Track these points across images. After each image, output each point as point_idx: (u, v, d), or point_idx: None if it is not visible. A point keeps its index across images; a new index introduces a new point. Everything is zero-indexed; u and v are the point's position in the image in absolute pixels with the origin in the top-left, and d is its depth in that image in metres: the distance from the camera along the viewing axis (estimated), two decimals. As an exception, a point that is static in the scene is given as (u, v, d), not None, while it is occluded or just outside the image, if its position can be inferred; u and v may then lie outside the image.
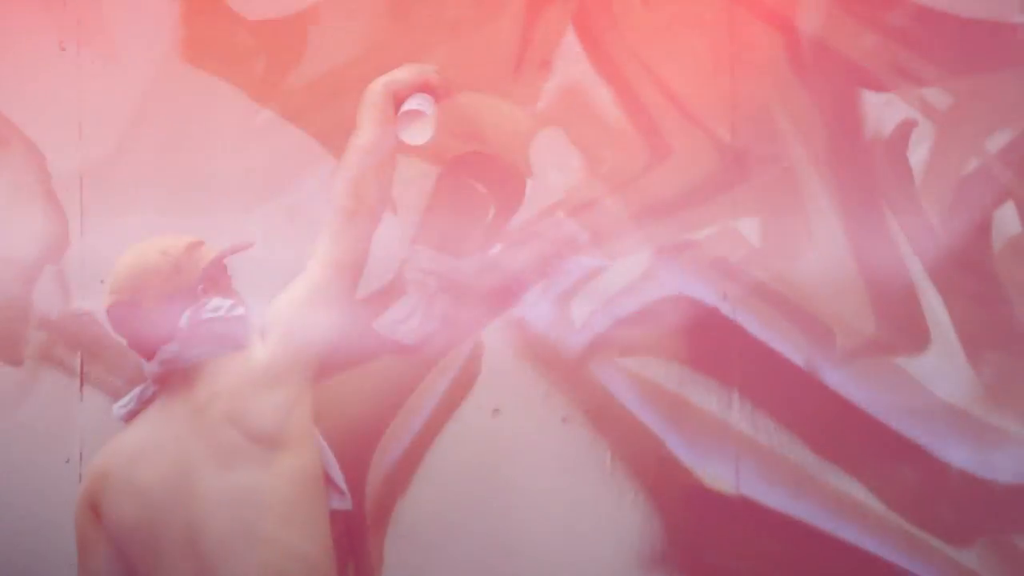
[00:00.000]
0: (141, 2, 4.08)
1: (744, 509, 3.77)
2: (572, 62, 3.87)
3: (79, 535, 3.39)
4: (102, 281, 3.85)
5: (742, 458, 3.77)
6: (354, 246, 3.41)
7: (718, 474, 3.79)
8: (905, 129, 3.70)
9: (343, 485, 3.44)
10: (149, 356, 3.33)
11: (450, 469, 3.91)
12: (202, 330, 3.28)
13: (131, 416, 3.39)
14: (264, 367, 3.26)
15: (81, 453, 4.04)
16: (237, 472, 3.21)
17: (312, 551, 3.27)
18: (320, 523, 3.31)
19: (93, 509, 3.32)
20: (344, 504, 3.44)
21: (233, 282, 3.50)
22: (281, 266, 3.76)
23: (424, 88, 3.59)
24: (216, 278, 3.38)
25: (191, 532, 3.23)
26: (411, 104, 3.58)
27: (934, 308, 3.69)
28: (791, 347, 3.76)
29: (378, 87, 3.54)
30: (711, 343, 3.79)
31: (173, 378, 3.30)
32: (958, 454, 3.67)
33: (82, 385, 4.09)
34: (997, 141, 3.66)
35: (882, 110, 3.70)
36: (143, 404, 3.38)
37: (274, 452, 3.21)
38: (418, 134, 3.60)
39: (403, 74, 3.59)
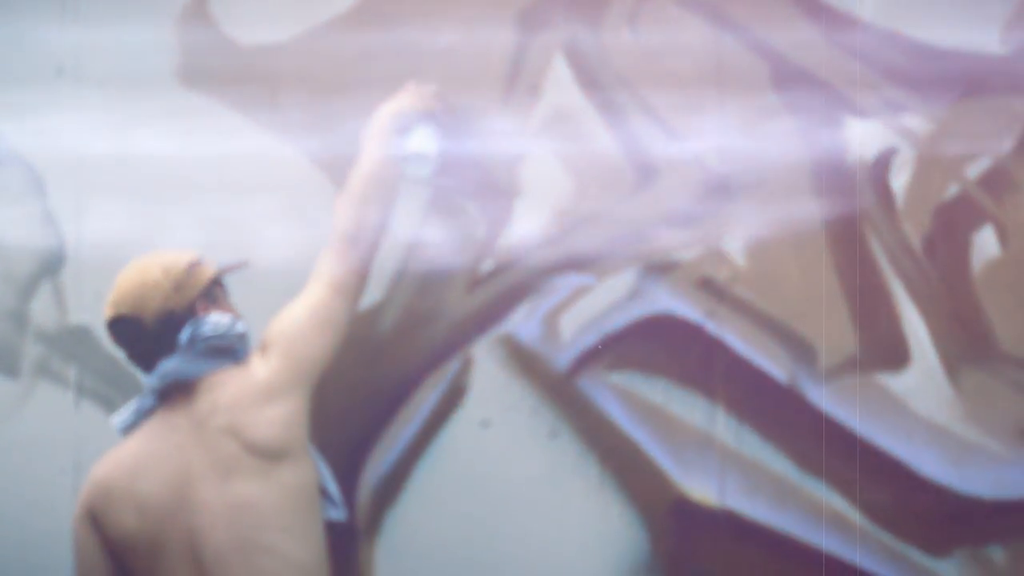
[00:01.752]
0: (137, 27, 3.88)
1: (728, 521, 3.64)
2: (561, 87, 3.72)
3: (77, 545, 3.21)
4: (98, 296, 3.69)
5: (726, 471, 3.63)
6: (355, 268, 3.27)
7: (703, 487, 3.65)
8: (887, 155, 3.59)
9: (338, 497, 3.21)
10: (148, 369, 3.08)
11: (439, 481, 3.74)
12: (202, 346, 3.05)
13: (129, 428, 3.14)
14: (264, 382, 3.08)
15: (76, 463, 3.82)
16: (236, 484, 3.02)
17: (309, 560, 3.11)
18: (316, 533, 3.15)
19: (92, 519, 3.14)
20: (339, 515, 3.25)
21: (231, 299, 3.33)
22: (275, 286, 3.58)
23: (427, 114, 3.44)
24: (215, 295, 3.20)
25: (192, 541, 3.07)
26: (413, 144, 3.47)
27: (915, 327, 3.58)
28: (774, 364, 3.63)
29: (382, 115, 3.45)
30: (696, 360, 3.66)
31: (173, 391, 3.08)
32: (937, 469, 3.56)
33: (77, 397, 3.85)
34: (976, 167, 3.57)
35: (865, 136, 3.60)
36: (141, 416, 3.14)
37: (272, 464, 3.04)
38: (421, 168, 3.49)
39: (406, 101, 3.49)
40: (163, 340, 3.11)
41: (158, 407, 3.18)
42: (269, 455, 3.06)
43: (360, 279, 3.28)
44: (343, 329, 3.25)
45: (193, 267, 3.18)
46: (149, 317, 3.09)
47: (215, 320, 3.13)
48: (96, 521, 3.13)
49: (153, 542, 3.06)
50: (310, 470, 3.14)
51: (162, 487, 3.07)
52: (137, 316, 3.09)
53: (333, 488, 3.27)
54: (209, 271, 3.22)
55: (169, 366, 3.10)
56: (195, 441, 3.08)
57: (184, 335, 3.10)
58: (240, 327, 3.18)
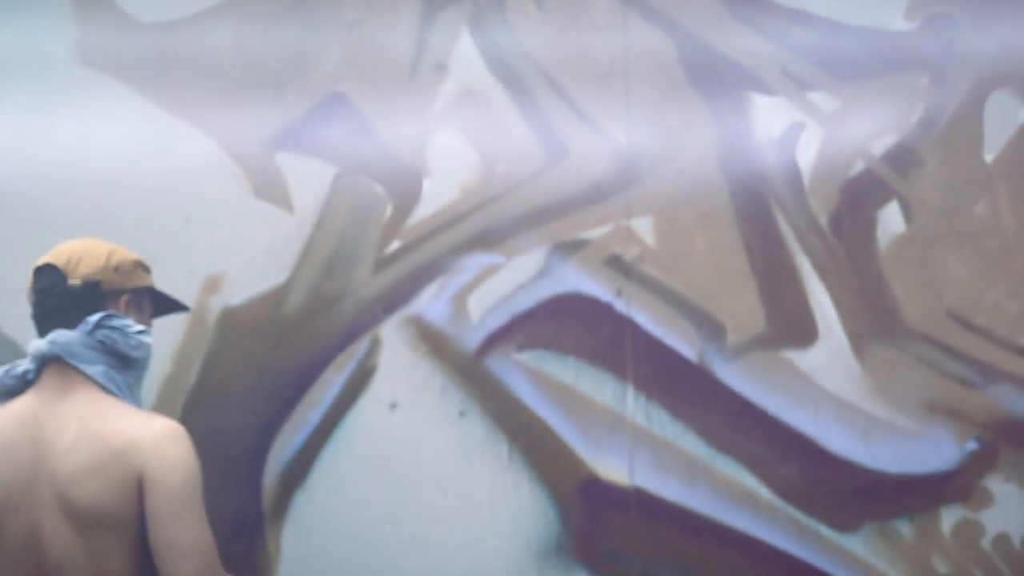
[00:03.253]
0: (35, 4, 3.64)
1: (638, 499, 3.51)
2: (467, 64, 3.58)
3: None
4: None
5: (636, 450, 3.51)
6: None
7: (613, 465, 3.52)
8: (794, 132, 3.50)
9: None
10: (44, 332, 2.86)
11: (348, 463, 3.57)
12: (103, 335, 2.81)
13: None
14: (100, 455, 2.74)
15: (-26, 450, 3.52)
16: (67, 520, 2.73)
17: None
18: None
19: None
20: None
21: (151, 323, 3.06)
22: (178, 268, 3.49)
23: None
24: (143, 306, 2.99)
25: (34, 538, 2.77)
26: None
27: (822, 304, 3.49)
28: (683, 342, 3.52)
29: None
30: (606, 338, 3.53)
31: (51, 376, 2.83)
32: (844, 445, 3.48)
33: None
34: (882, 143, 3.49)
35: (771, 113, 3.51)
36: (9, 379, 2.90)
37: (87, 522, 2.72)
38: None
39: None
40: (75, 308, 2.86)
41: (31, 386, 2.90)
42: (74, 514, 2.78)
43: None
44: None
45: (139, 265, 2.97)
46: (76, 277, 2.85)
47: (128, 321, 2.91)
48: None
49: None
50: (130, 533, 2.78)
51: (8, 475, 2.77)
52: (65, 271, 2.86)
53: None
54: (150, 280, 3.01)
55: (64, 336, 2.86)
56: (48, 445, 2.82)
57: (94, 317, 2.87)
58: (146, 338, 2.94)
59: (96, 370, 2.85)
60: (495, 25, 3.53)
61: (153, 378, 3.47)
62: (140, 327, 2.91)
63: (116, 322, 2.87)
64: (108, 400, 2.84)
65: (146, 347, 2.93)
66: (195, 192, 3.57)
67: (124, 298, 2.91)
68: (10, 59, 3.64)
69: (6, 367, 2.93)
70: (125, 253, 2.95)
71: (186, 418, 3.47)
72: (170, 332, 3.48)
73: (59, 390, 2.84)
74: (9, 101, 3.64)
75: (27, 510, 2.76)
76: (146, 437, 2.76)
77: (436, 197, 3.55)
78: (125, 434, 2.76)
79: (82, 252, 2.90)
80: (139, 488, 2.74)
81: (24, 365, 2.90)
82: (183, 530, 2.73)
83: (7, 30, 3.65)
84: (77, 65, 3.62)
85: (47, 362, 2.87)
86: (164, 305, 3.10)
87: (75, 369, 2.84)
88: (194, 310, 3.54)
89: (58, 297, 2.87)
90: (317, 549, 3.54)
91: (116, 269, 2.90)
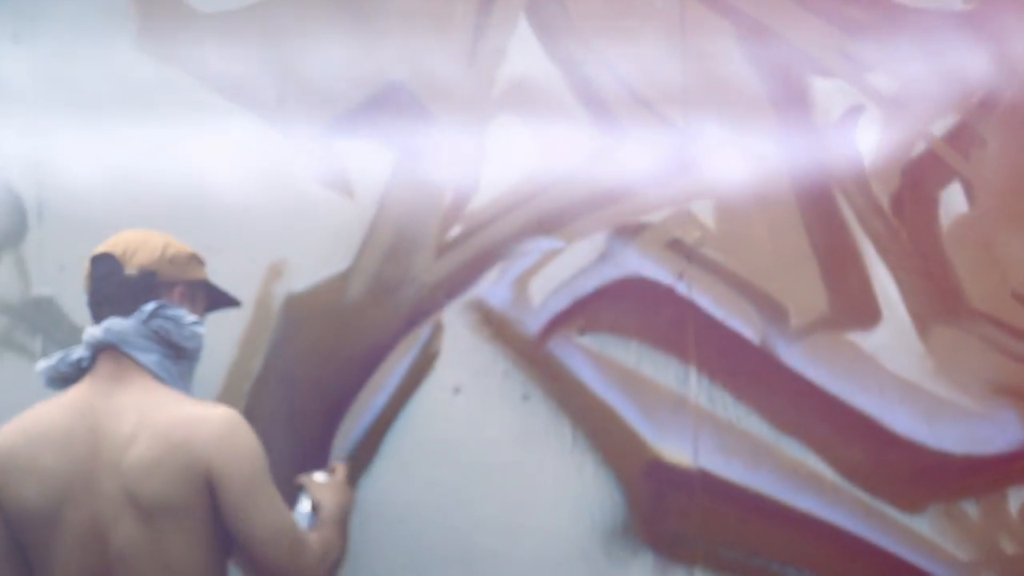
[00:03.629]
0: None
1: (702, 481, 3.50)
2: (525, 50, 3.55)
3: None
4: (61, 267, 3.58)
5: (700, 432, 3.50)
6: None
7: (677, 448, 3.51)
8: (853, 113, 3.46)
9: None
10: (98, 320, 2.90)
11: (412, 448, 3.57)
12: (158, 325, 2.83)
13: (51, 376, 2.95)
14: (160, 446, 2.77)
15: (44, 438, 3.55)
16: (129, 510, 2.74)
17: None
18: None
19: None
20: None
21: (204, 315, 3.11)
22: (240, 256, 3.53)
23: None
24: (196, 296, 3.03)
25: (97, 528, 2.79)
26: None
27: (885, 285, 3.46)
28: (746, 324, 3.50)
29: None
30: (668, 321, 3.51)
31: (105, 364, 2.86)
32: (909, 426, 3.45)
33: (42, 370, 3.60)
34: (942, 124, 3.46)
35: (831, 95, 3.47)
36: (65, 366, 2.93)
37: (150, 512, 2.75)
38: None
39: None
40: (130, 297, 2.89)
41: (84, 373, 2.92)
42: (140, 504, 2.77)
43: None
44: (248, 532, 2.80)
45: (194, 258, 3.02)
46: (132, 266, 2.89)
47: (183, 312, 2.92)
48: None
49: (51, 520, 2.79)
50: (197, 522, 2.80)
51: (68, 466, 2.79)
52: (121, 260, 2.90)
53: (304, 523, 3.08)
54: (203, 274, 3.05)
55: (119, 324, 2.87)
56: (105, 436, 2.82)
57: (149, 306, 2.88)
58: (199, 329, 2.96)
59: (150, 359, 2.87)
60: (552, 10, 3.51)
61: (219, 364, 3.51)
62: (194, 318, 2.94)
63: (170, 312, 2.89)
64: (163, 389, 2.86)
65: (199, 338, 2.95)
66: (256, 180, 3.57)
67: (178, 289, 2.94)
68: (70, 47, 3.65)
69: (60, 354, 2.95)
70: (180, 245, 2.98)
71: (252, 404, 3.51)
72: (236, 319, 3.50)
73: (114, 378, 2.86)
74: (70, 83, 3.64)
75: (88, 500, 2.78)
76: (208, 429, 2.78)
77: (496, 182, 3.54)
78: (185, 425, 2.78)
79: (138, 243, 2.94)
80: (205, 480, 2.76)
81: (78, 352, 2.93)
82: (263, 518, 2.76)
83: (66, 17, 3.66)
84: (135, 53, 3.62)
85: (101, 350, 2.89)
86: (217, 300, 3.12)
87: (129, 357, 2.86)
88: (258, 297, 3.55)
89: (114, 286, 2.90)
90: (383, 533, 3.55)
91: (171, 260, 2.93)
